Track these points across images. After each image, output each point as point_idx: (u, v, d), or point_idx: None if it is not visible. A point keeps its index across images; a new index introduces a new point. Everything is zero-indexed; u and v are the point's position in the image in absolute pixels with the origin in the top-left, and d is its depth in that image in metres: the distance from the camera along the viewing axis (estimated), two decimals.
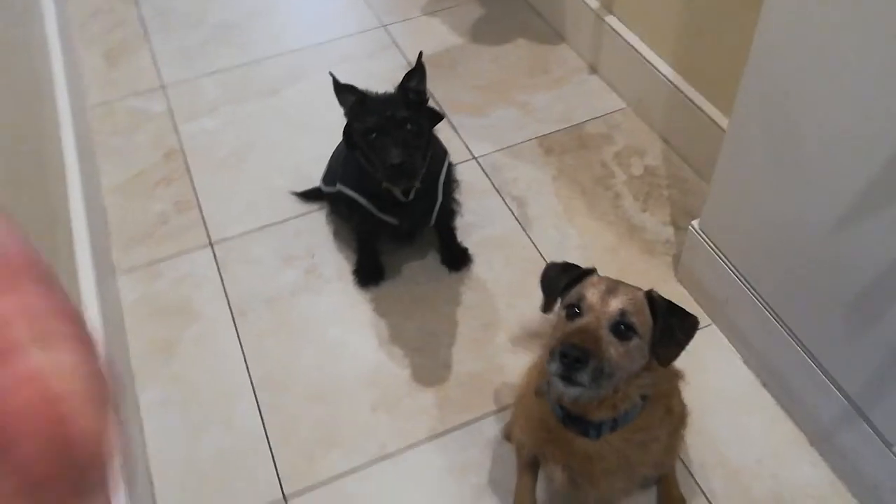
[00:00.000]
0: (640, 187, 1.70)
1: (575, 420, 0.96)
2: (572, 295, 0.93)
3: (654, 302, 0.91)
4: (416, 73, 1.33)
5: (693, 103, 1.64)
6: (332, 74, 1.33)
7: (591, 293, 0.90)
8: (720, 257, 1.36)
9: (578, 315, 0.90)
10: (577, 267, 0.98)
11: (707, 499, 1.24)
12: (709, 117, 1.60)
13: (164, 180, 1.77)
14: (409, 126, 1.27)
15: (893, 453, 1.10)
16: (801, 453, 1.28)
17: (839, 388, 1.18)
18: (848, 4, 0.93)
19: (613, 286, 0.91)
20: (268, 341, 1.45)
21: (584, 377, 0.85)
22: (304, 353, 1.44)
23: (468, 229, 1.63)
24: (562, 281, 0.96)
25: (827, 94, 1.01)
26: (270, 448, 1.30)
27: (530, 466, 1.14)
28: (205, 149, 1.84)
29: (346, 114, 1.35)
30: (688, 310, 0.94)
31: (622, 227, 1.63)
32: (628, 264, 1.56)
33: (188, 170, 1.79)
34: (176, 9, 2.25)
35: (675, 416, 1.10)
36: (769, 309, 1.28)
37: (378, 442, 1.30)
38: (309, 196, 1.70)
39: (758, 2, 1.38)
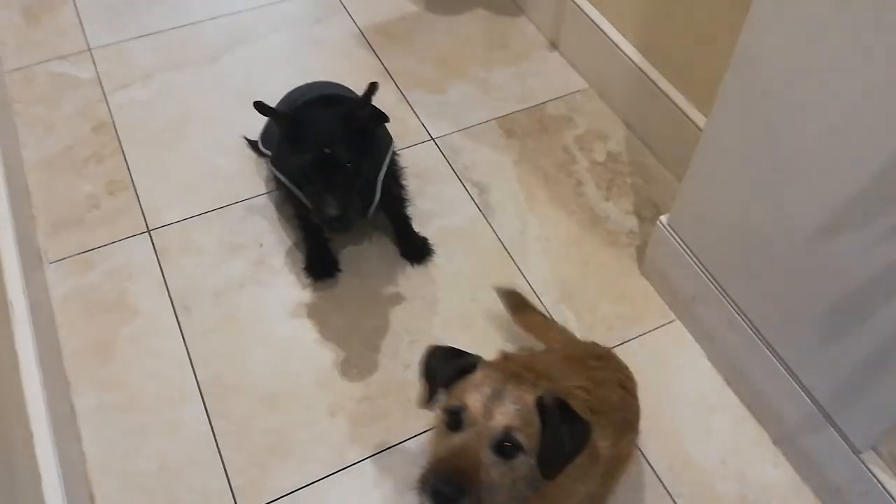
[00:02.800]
0: (602, 174, 1.66)
1: None
2: (454, 396, 0.85)
3: (546, 408, 0.84)
4: (365, 106, 1.20)
5: (659, 89, 1.59)
6: (257, 104, 1.17)
7: (474, 400, 0.82)
8: (689, 255, 1.33)
9: (459, 426, 0.82)
10: (465, 355, 0.90)
11: (674, 500, 1.23)
12: (674, 104, 1.56)
13: (95, 157, 1.62)
14: (348, 165, 1.16)
15: (861, 459, 1.11)
16: (765, 454, 1.28)
17: (807, 392, 1.17)
18: (840, 16, 0.88)
19: (499, 390, 0.83)
20: (214, 339, 1.36)
21: None
22: (254, 352, 1.35)
23: (427, 217, 1.55)
24: (446, 371, 0.88)
25: (810, 104, 0.97)
26: (221, 458, 1.22)
27: None
28: (138, 122, 1.69)
29: (280, 132, 1.21)
30: (580, 416, 0.85)
31: (585, 217, 1.58)
32: (591, 256, 1.52)
33: (120, 146, 1.64)
34: None
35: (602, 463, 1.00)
36: (738, 310, 1.26)
37: (336, 450, 1.24)
38: (259, 148, 1.56)
39: None
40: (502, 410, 0.81)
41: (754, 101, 1.07)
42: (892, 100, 0.87)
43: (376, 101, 1.24)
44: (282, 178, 1.34)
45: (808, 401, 1.17)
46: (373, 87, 1.20)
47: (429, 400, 0.90)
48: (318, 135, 1.16)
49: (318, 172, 1.15)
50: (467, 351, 0.92)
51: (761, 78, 1.04)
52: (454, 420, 0.83)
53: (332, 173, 1.15)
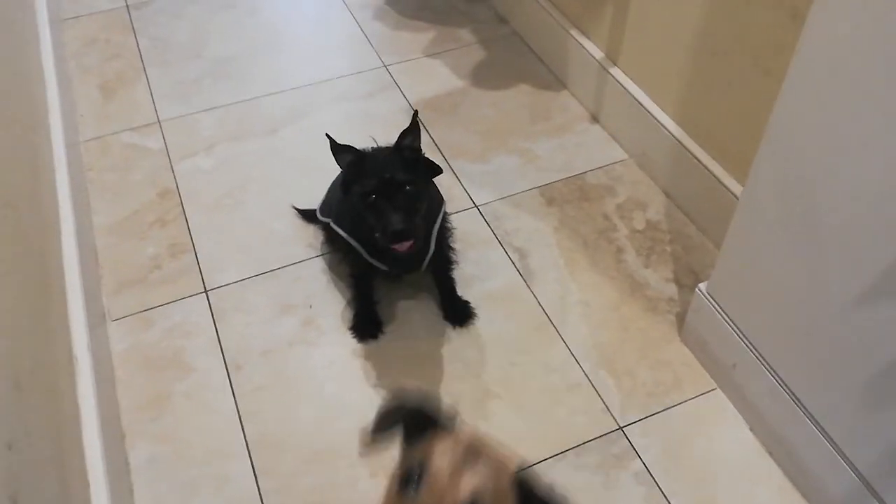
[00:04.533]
0: (642, 242, 1.69)
1: None
2: (416, 451, 0.73)
3: (530, 494, 0.70)
4: (411, 132, 1.33)
5: (697, 160, 1.63)
6: (328, 136, 1.32)
7: (440, 457, 0.69)
8: (728, 323, 1.34)
9: (413, 489, 0.69)
10: (439, 411, 0.79)
11: None
12: (713, 175, 1.60)
13: (159, 221, 1.72)
14: (408, 188, 1.27)
15: None
16: None
17: (850, 464, 1.16)
18: (872, 90, 0.92)
19: (473, 453, 0.69)
20: (263, 397, 1.41)
21: None
22: (300, 410, 1.39)
23: (469, 281, 1.60)
24: (410, 418, 0.76)
25: (843, 174, 1.00)
26: None
27: None
28: (200, 189, 1.80)
29: (344, 173, 1.34)
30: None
31: (624, 283, 1.61)
32: (631, 322, 1.54)
33: (183, 211, 1.75)
34: (174, 40, 2.22)
35: None
36: (778, 379, 1.26)
37: None
38: (308, 216, 1.68)
39: (765, 66, 1.38)
40: (473, 476, 0.68)
41: (788, 171, 1.10)
42: None
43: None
44: (342, 233, 1.43)
45: (852, 473, 1.15)
46: (415, 116, 1.34)
47: (376, 432, 0.78)
48: (377, 165, 1.29)
49: (381, 196, 1.26)
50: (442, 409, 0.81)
51: (794, 148, 1.08)
52: (409, 480, 0.70)
53: (395, 195, 1.26)
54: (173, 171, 1.84)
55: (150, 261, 1.64)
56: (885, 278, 0.99)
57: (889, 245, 0.97)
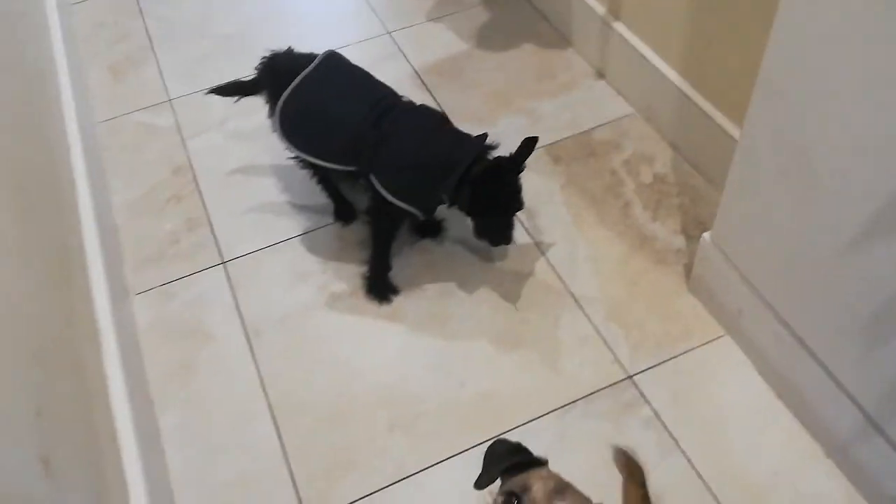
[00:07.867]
0: (649, 195, 1.70)
1: None
2: (516, 481, 0.85)
3: None
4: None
5: (702, 110, 1.64)
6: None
7: (538, 487, 0.83)
8: (733, 270, 1.36)
9: None
10: (529, 452, 0.92)
11: None
12: (718, 125, 1.60)
13: (175, 197, 1.77)
14: None
15: None
16: (818, 465, 1.28)
17: (855, 402, 1.18)
18: (855, 32, 0.92)
19: (563, 487, 0.84)
20: (283, 361, 1.46)
21: None
22: (319, 372, 1.44)
23: (478, 243, 1.63)
24: (506, 461, 0.89)
25: (835, 117, 1.01)
26: (290, 471, 1.31)
27: None
28: (214, 164, 1.84)
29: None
30: None
31: (633, 237, 1.63)
32: (640, 275, 1.56)
33: (198, 186, 1.79)
34: (181, 19, 2.25)
35: None
36: (783, 322, 1.28)
37: (396, 463, 1.31)
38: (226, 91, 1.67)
39: (765, 16, 1.37)
40: (564, 503, 0.82)
41: (780, 117, 1.11)
42: None
43: None
44: (401, 203, 1.45)
45: (857, 410, 1.17)
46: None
47: (481, 485, 0.92)
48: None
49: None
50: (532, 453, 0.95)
51: (784, 94, 1.08)
52: (512, 502, 0.84)
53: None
54: (186, 148, 1.88)
55: (168, 236, 1.69)
56: (879, 219, 1.01)
57: (880, 186, 0.98)
